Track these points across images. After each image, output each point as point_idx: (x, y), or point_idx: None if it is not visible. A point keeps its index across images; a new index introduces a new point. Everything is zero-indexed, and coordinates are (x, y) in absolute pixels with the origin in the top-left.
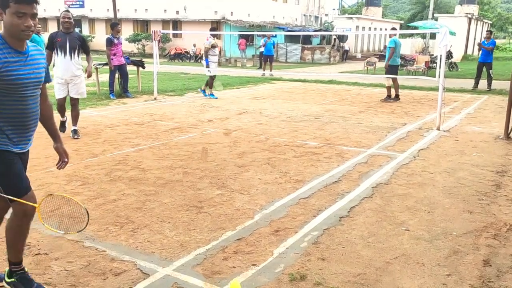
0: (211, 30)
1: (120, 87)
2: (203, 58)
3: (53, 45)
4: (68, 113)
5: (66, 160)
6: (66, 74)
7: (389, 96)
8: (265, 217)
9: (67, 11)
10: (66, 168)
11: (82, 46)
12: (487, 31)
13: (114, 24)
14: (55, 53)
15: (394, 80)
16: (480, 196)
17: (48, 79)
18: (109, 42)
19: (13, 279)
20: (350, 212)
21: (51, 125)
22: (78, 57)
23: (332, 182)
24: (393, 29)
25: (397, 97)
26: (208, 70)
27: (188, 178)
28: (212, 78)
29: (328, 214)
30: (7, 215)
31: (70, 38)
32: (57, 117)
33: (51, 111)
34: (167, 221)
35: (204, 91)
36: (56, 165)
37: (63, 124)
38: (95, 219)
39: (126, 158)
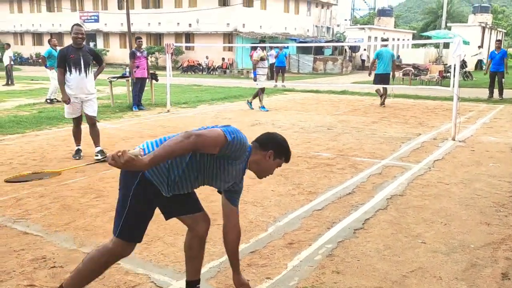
0: (259, 42)
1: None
2: (251, 70)
3: (65, 62)
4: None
5: None
6: (82, 93)
7: (382, 98)
8: (279, 230)
9: (79, 25)
10: (81, 180)
11: (95, 59)
12: (496, 40)
13: (137, 38)
14: (67, 70)
15: (384, 88)
16: (497, 208)
17: (233, 199)
18: (132, 55)
19: None
20: (364, 224)
21: (234, 258)
22: (92, 73)
23: (346, 193)
24: (384, 40)
25: (382, 104)
26: (256, 83)
27: (201, 190)
28: (262, 90)
29: (342, 226)
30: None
31: (83, 53)
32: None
33: (238, 240)
34: (180, 234)
35: (250, 103)
36: None
37: (78, 152)
38: (110, 231)
39: None
